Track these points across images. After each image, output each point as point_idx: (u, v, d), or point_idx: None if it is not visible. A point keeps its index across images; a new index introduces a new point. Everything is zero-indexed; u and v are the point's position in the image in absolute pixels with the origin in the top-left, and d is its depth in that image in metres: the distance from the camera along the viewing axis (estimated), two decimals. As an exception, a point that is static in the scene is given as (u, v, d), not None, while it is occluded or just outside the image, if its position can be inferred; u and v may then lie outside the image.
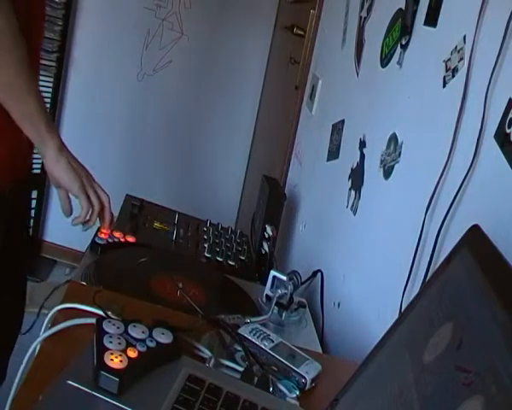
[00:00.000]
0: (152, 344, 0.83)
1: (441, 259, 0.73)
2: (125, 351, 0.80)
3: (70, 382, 0.76)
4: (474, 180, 0.95)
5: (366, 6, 1.59)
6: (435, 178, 1.04)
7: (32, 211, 2.69)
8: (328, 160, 1.73)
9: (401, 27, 1.31)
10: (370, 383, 0.70)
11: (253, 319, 1.14)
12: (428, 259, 1.02)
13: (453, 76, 1.06)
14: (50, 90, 2.77)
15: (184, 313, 1.09)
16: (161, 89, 3.01)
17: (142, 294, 1.13)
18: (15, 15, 1.03)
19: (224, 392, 0.82)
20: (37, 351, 0.88)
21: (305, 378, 0.97)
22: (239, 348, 0.99)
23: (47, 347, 0.88)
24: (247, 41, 2.98)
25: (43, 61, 2.60)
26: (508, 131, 0.87)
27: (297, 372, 0.98)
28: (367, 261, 1.34)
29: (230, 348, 1.00)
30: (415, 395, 0.58)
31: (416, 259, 1.07)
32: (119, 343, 0.81)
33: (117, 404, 0.75)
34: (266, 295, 1.32)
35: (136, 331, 0.84)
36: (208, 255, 1.52)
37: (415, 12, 1.25)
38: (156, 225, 1.60)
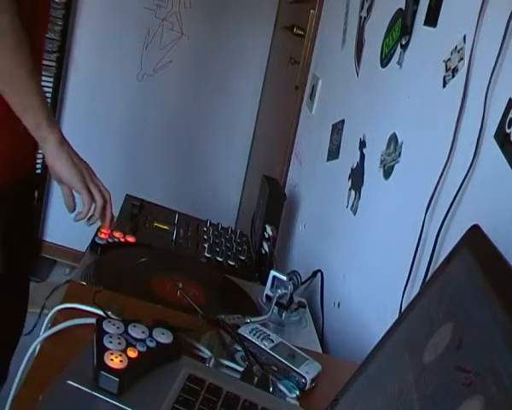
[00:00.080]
0: (152, 344, 0.83)
1: (441, 259, 0.73)
2: (125, 351, 0.80)
3: (70, 382, 0.76)
4: (474, 180, 0.95)
5: (366, 6, 1.59)
6: (435, 178, 1.04)
7: (32, 211, 2.69)
8: (328, 160, 1.73)
9: (401, 27, 1.31)
10: (370, 383, 0.70)
11: (253, 319, 1.14)
12: (428, 259, 1.02)
13: (453, 76, 1.06)
14: (50, 90, 2.77)
15: (184, 313, 1.09)
16: (161, 89, 3.01)
17: (142, 294, 1.13)
18: (19, 14, 1.03)
19: (224, 392, 0.82)
20: (37, 351, 0.88)
21: (305, 378, 0.97)
22: (239, 348, 0.99)
23: (47, 347, 0.88)
24: (247, 41, 2.98)
25: (43, 61, 2.60)
26: (508, 131, 0.87)
27: (297, 372, 0.98)
28: (367, 261, 1.34)
29: (230, 348, 1.00)
30: (415, 395, 0.58)
31: (416, 259, 1.07)
32: (119, 343, 0.81)
33: (117, 404, 0.75)
34: (266, 295, 1.32)
35: (136, 331, 0.84)
36: (208, 255, 1.52)
37: (415, 12, 1.25)
38: (156, 225, 1.60)
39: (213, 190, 3.11)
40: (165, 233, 1.58)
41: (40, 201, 2.88)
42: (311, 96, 2.03)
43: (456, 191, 0.97)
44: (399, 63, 1.31)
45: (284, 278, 1.29)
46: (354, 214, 1.45)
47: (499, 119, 0.89)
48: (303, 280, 1.43)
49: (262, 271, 1.57)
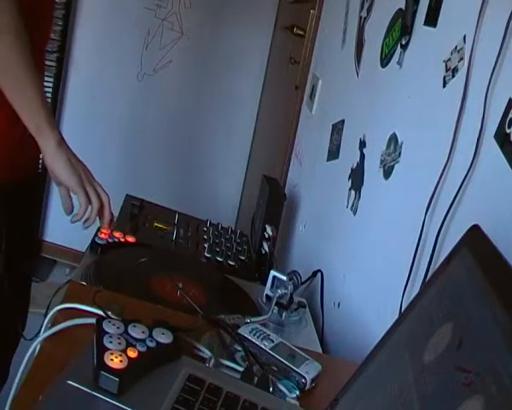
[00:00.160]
0: (152, 344, 0.83)
1: (441, 259, 0.73)
2: (125, 351, 0.80)
3: (70, 382, 0.76)
4: (474, 180, 0.95)
5: (366, 6, 1.59)
6: (435, 178, 1.04)
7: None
8: (328, 160, 1.73)
9: (401, 27, 1.31)
10: (370, 383, 0.70)
11: (253, 319, 1.14)
12: (428, 259, 1.02)
13: (453, 76, 1.06)
14: (50, 90, 2.77)
15: (184, 313, 1.09)
16: (161, 89, 3.01)
17: (142, 294, 1.13)
18: (21, 13, 1.04)
19: (224, 392, 0.82)
20: (37, 351, 0.88)
21: (305, 378, 0.97)
22: (239, 348, 0.99)
23: (47, 347, 0.88)
24: (247, 41, 2.97)
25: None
26: (508, 131, 0.87)
27: (297, 372, 0.98)
28: (367, 261, 1.34)
29: (230, 348, 1.00)
30: (415, 395, 0.58)
31: (416, 259, 1.07)
32: (119, 343, 0.81)
33: (117, 404, 0.75)
34: (266, 295, 1.32)
35: (136, 331, 0.84)
36: (208, 255, 1.52)
37: (415, 12, 1.25)
38: (156, 225, 1.60)
39: (213, 190, 3.11)
40: (165, 233, 1.58)
41: (40, 201, 2.89)
42: (311, 96, 2.03)
43: (456, 191, 0.97)
44: (399, 63, 1.31)
45: (284, 278, 1.29)
46: (354, 214, 1.45)
47: (499, 119, 0.89)
48: (303, 280, 1.43)
49: (262, 271, 1.57)
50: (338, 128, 1.68)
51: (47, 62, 2.71)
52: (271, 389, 0.92)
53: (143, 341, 0.83)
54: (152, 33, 2.94)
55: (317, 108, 1.97)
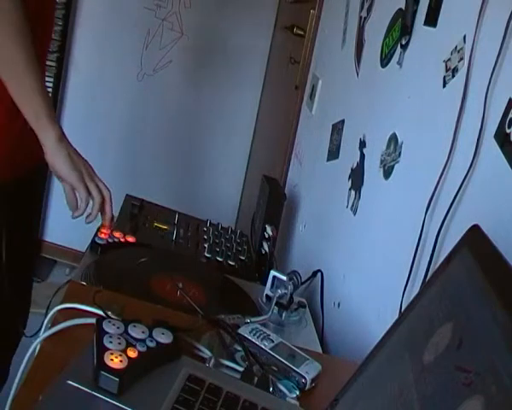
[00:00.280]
0: (152, 344, 0.83)
1: (441, 259, 0.73)
2: (125, 351, 0.80)
3: (70, 382, 0.76)
4: (474, 180, 0.95)
5: (366, 6, 1.59)
6: (435, 178, 1.04)
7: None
8: (328, 160, 1.73)
9: (401, 27, 1.31)
10: (370, 383, 0.70)
11: (253, 319, 1.14)
12: (428, 259, 1.02)
13: (453, 76, 1.06)
14: (50, 90, 2.77)
15: (184, 313, 1.09)
16: (161, 89, 3.01)
17: (142, 294, 1.13)
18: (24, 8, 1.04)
19: (224, 392, 0.82)
20: (37, 351, 0.88)
21: (305, 378, 0.97)
22: (239, 348, 0.99)
23: (47, 347, 0.88)
24: (247, 41, 2.97)
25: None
26: (508, 131, 0.87)
27: (297, 372, 0.98)
28: (367, 261, 1.34)
29: (230, 348, 1.00)
30: (415, 395, 0.58)
31: (416, 259, 1.07)
32: (119, 343, 0.81)
33: (117, 404, 0.75)
34: (266, 295, 1.32)
35: (136, 331, 0.84)
36: (208, 255, 1.52)
37: (415, 12, 1.25)
38: (156, 225, 1.60)
39: (213, 190, 3.11)
40: (165, 233, 1.58)
41: (41, 198, 2.88)
42: (311, 96, 2.03)
43: (456, 191, 0.97)
44: (399, 63, 1.31)
45: (284, 278, 1.29)
46: (354, 214, 1.45)
47: (499, 119, 0.89)
48: (303, 280, 1.43)
49: (262, 271, 1.57)
50: (338, 128, 1.68)
51: (47, 62, 2.72)
52: (271, 389, 0.92)
53: (143, 341, 0.83)
54: (152, 33, 2.94)
55: (317, 108, 1.97)
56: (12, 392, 0.86)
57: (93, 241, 1.35)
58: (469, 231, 0.67)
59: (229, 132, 3.08)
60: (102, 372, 0.76)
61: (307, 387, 0.98)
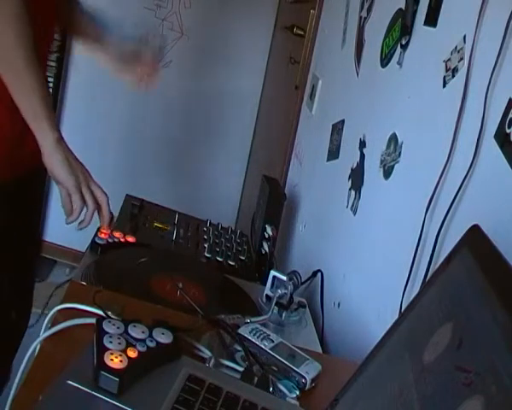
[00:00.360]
0: (152, 344, 0.83)
1: (441, 259, 0.73)
2: (125, 351, 0.80)
3: (70, 382, 0.76)
4: (474, 180, 0.95)
5: (366, 6, 1.59)
6: (435, 178, 1.04)
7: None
8: (328, 160, 1.73)
9: (401, 27, 1.31)
10: (370, 383, 0.70)
11: (253, 319, 1.14)
12: (428, 259, 1.02)
13: (453, 76, 1.06)
14: (50, 90, 2.77)
15: (184, 313, 1.09)
16: (161, 89, 3.01)
17: (142, 294, 1.13)
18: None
19: (224, 392, 0.82)
20: (37, 351, 0.88)
21: (305, 378, 0.97)
22: (239, 348, 0.99)
23: (47, 347, 0.88)
24: (247, 41, 2.97)
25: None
26: (508, 131, 0.87)
27: (297, 372, 0.98)
28: (367, 261, 1.34)
29: (230, 348, 1.00)
30: (415, 395, 0.58)
31: (416, 259, 1.07)
32: (119, 343, 0.81)
33: (117, 404, 0.75)
34: (266, 295, 1.32)
35: (136, 331, 0.84)
36: (208, 255, 1.52)
37: (415, 12, 1.25)
38: (156, 225, 1.60)
39: (213, 190, 3.11)
40: (165, 233, 1.58)
41: (41, 198, 2.88)
42: (311, 96, 2.03)
43: (456, 191, 0.97)
44: (399, 63, 1.31)
45: (284, 278, 1.29)
46: (354, 214, 1.45)
47: (499, 119, 0.89)
48: (303, 280, 1.43)
49: (262, 271, 1.57)
50: (338, 128, 1.68)
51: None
52: (271, 389, 0.92)
53: (143, 341, 0.83)
54: (152, 33, 2.93)
55: (317, 108, 1.97)
56: (12, 392, 0.86)
57: (93, 241, 1.35)
58: (469, 231, 0.67)
59: (229, 132, 3.08)
60: (102, 372, 0.76)
61: (307, 387, 0.98)
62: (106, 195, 1.18)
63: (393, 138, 1.27)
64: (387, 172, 1.28)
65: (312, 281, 1.59)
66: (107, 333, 0.82)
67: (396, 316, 1.00)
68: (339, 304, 1.44)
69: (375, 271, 1.28)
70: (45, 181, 1.42)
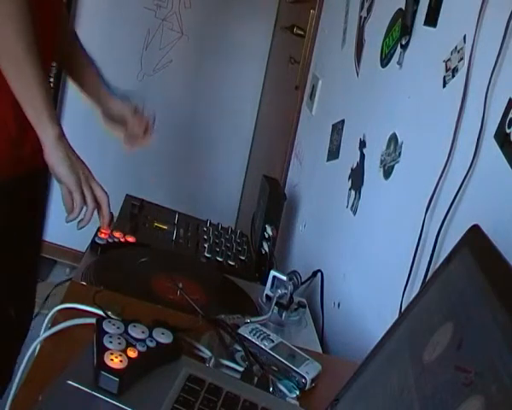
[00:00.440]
0: (152, 344, 0.83)
1: (441, 259, 0.73)
2: (125, 351, 0.80)
3: (70, 382, 0.76)
4: (474, 180, 0.95)
5: (366, 6, 1.59)
6: (435, 178, 1.04)
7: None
8: (328, 160, 1.73)
9: (401, 27, 1.31)
10: (370, 383, 0.70)
11: (253, 319, 1.14)
12: (428, 259, 1.02)
13: (453, 76, 1.06)
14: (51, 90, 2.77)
15: (184, 313, 1.09)
16: (161, 89, 3.01)
17: (142, 294, 1.13)
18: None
19: (224, 392, 0.82)
20: (37, 351, 0.88)
21: (305, 378, 0.97)
22: (239, 348, 0.99)
23: (47, 347, 0.88)
24: (247, 41, 2.98)
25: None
26: (508, 131, 0.87)
27: (297, 372, 0.98)
28: (367, 261, 1.34)
29: (230, 348, 1.00)
30: (415, 395, 0.58)
31: (416, 259, 1.07)
32: (119, 343, 0.81)
33: (117, 404, 0.75)
34: (266, 295, 1.32)
35: (136, 331, 0.84)
36: (208, 255, 1.52)
37: (415, 12, 1.25)
38: (156, 225, 1.60)
39: (213, 191, 3.11)
40: (165, 233, 1.58)
41: (44, 198, 2.88)
42: (311, 96, 2.03)
43: (456, 191, 0.97)
44: (399, 63, 1.31)
45: (284, 278, 1.29)
46: (354, 214, 1.45)
47: (499, 119, 0.89)
48: (303, 280, 1.43)
49: (262, 271, 1.57)
50: (338, 128, 1.68)
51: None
52: (271, 389, 0.92)
53: (143, 341, 0.83)
54: (152, 33, 2.94)
55: (317, 108, 1.97)
56: (12, 392, 0.86)
57: (93, 241, 1.35)
58: (469, 231, 0.67)
59: (229, 132, 3.08)
60: (102, 372, 0.76)
61: (307, 387, 0.98)
62: (106, 194, 1.18)
63: (393, 138, 1.27)
64: (387, 172, 1.28)
65: (312, 281, 1.59)
66: (107, 333, 0.82)
67: (396, 316, 1.00)
68: (339, 304, 1.44)
69: (375, 271, 1.28)
70: (47, 181, 1.42)
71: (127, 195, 1.74)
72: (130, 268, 1.27)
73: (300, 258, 1.85)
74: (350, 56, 1.67)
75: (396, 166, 1.25)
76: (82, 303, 0.96)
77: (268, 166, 2.49)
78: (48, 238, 3.05)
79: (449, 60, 1.08)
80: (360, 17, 1.64)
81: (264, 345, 1.02)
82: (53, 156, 1.12)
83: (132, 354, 0.80)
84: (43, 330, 0.91)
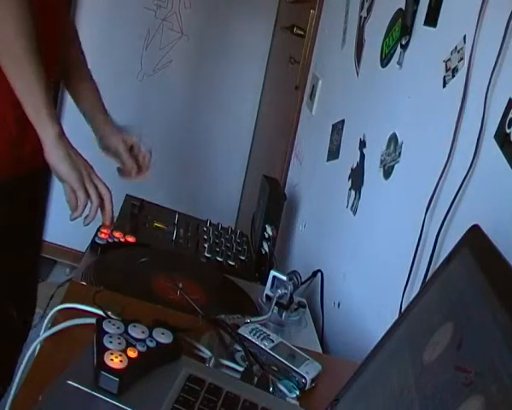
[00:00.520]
0: (152, 344, 0.83)
1: (441, 259, 0.73)
2: (125, 351, 0.80)
3: (70, 382, 0.76)
4: (474, 180, 0.95)
5: (366, 6, 1.59)
6: (435, 178, 1.04)
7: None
8: (328, 160, 1.73)
9: (401, 27, 1.31)
10: (370, 383, 0.70)
11: (253, 319, 1.14)
12: (428, 259, 1.02)
13: (453, 76, 1.06)
14: (50, 90, 2.77)
15: (184, 313, 1.09)
16: (161, 89, 3.01)
17: (142, 294, 1.13)
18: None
19: (224, 392, 0.82)
20: (37, 351, 0.88)
21: (305, 378, 0.97)
22: (239, 348, 0.99)
23: (47, 347, 0.88)
24: (247, 41, 2.98)
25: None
26: (508, 131, 0.87)
27: (297, 372, 0.98)
28: (367, 261, 1.34)
29: (230, 348, 1.00)
30: (415, 395, 0.58)
31: (416, 259, 1.07)
32: (119, 343, 0.81)
33: (117, 404, 0.75)
34: (266, 295, 1.32)
35: (136, 331, 0.84)
36: (208, 255, 1.52)
37: (415, 12, 1.25)
38: (156, 225, 1.60)
39: (213, 190, 3.11)
40: (165, 233, 1.58)
41: (44, 198, 2.88)
42: (311, 96, 2.03)
43: (456, 191, 0.97)
44: (399, 63, 1.31)
45: (284, 278, 1.29)
46: (354, 214, 1.45)
47: (499, 119, 0.89)
48: (303, 280, 1.43)
49: (262, 271, 1.57)
50: (338, 128, 1.68)
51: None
52: (271, 389, 0.92)
53: (143, 341, 0.83)
54: (152, 33, 2.94)
55: (317, 108, 1.97)
56: (12, 392, 0.86)
57: (93, 241, 1.35)
58: (469, 231, 0.67)
59: (229, 132, 3.08)
60: (102, 372, 0.76)
61: (307, 387, 0.98)
62: (109, 190, 1.18)
63: (393, 138, 1.27)
64: (387, 172, 1.28)
65: (312, 281, 1.59)
66: (107, 333, 0.82)
67: (396, 316, 1.00)
68: (339, 304, 1.44)
69: (375, 271, 1.28)
70: (47, 181, 1.42)
71: (127, 195, 1.74)
72: (130, 268, 1.27)
73: (300, 258, 1.85)
74: (350, 56, 1.67)
75: (396, 167, 1.25)
76: (82, 303, 0.96)
77: (268, 166, 2.49)
78: (48, 238, 3.05)
79: (449, 60, 1.08)
80: (360, 17, 1.64)
81: (264, 345, 1.02)
82: (53, 155, 1.12)
83: (132, 354, 0.80)
84: (43, 330, 0.92)
